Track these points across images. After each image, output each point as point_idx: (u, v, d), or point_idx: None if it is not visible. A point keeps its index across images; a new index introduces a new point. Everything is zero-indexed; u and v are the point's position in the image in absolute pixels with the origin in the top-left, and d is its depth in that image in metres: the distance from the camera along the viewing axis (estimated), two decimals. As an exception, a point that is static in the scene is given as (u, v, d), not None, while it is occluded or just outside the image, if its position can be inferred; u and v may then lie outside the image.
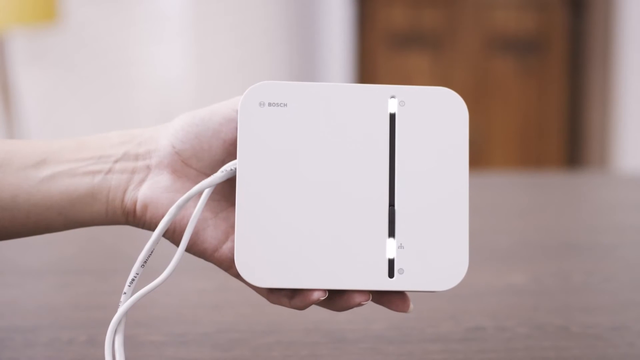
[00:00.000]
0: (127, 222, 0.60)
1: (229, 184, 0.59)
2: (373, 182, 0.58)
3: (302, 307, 0.58)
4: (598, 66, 3.23)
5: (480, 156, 3.19)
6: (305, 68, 3.17)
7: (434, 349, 0.70)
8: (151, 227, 0.59)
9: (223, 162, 0.59)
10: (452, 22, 3.25)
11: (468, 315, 0.79)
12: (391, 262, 0.58)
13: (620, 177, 2.10)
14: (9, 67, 2.68)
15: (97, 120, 2.94)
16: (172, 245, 0.60)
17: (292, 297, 0.58)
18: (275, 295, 0.58)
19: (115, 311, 0.58)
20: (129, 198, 0.59)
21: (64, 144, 0.61)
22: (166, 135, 0.60)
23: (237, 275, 0.58)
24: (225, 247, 0.59)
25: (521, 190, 1.64)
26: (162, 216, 0.58)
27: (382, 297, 0.58)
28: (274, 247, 0.57)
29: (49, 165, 0.60)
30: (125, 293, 0.58)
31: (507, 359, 0.68)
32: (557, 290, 0.90)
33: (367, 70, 3.22)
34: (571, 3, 3.30)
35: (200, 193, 0.58)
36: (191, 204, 0.59)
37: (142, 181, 0.60)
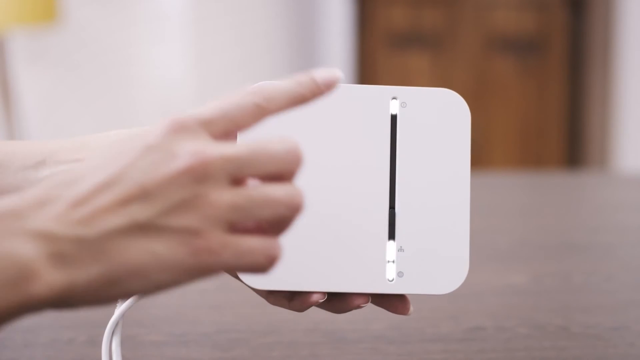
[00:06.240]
0: (127, 222, 0.60)
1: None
2: (374, 184, 0.57)
3: (300, 310, 0.57)
4: (598, 66, 3.23)
5: (480, 156, 3.19)
6: (306, 68, 3.17)
7: (434, 349, 0.70)
8: (151, 227, 0.59)
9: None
10: (452, 22, 3.25)
11: (468, 315, 0.79)
12: (391, 265, 0.57)
13: (620, 177, 2.10)
14: (9, 67, 2.68)
15: (97, 120, 2.94)
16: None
17: (291, 299, 0.57)
18: (275, 297, 0.58)
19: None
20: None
21: (62, 144, 0.60)
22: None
23: (237, 277, 0.58)
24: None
25: (521, 190, 1.64)
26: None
27: (381, 300, 0.58)
28: None
29: (48, 166, 0.60)
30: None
31: (507, 359, 0.68)
32: (557, 290, 0.90)
33: (367, 70, 3.22)
34: (571, 3, 3.30)
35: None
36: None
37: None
